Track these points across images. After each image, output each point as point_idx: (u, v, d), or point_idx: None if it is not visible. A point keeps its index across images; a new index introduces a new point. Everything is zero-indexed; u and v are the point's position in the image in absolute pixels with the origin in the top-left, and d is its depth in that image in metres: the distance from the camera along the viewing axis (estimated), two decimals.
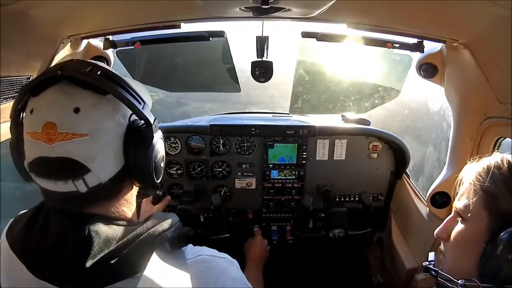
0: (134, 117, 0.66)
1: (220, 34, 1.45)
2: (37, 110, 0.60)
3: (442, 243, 0.74)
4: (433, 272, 0.70)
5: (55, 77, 0.61)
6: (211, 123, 1.82)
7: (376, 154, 1.86)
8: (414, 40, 1.32)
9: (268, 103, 6.38)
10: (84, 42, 1.40)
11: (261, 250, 1.60)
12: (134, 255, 0.59)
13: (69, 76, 0.60)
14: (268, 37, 1.37)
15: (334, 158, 1.85)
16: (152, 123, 0.67)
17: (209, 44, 1.52)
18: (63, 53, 1.26)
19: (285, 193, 1.89)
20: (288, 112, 2.30)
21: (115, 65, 1.60)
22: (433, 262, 0.73)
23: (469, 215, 0.65)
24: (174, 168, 1.85)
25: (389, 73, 1.99)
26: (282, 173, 1.86)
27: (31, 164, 0.61)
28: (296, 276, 2.10)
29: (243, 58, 1.77)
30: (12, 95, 1.08)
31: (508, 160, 0.65)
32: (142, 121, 0.66)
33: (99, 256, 0.57)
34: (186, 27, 1.34)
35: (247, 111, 2.51)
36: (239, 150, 1.84)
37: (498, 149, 1.23)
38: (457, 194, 0.71)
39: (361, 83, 2.12)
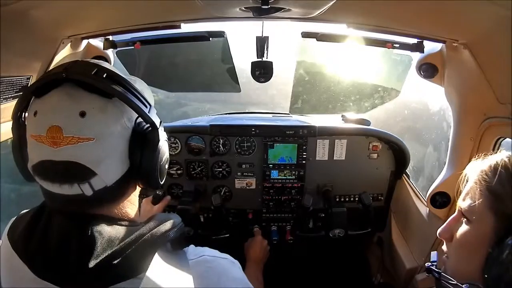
0: (140, 119, 0.66)
1: (220, 34, 1.45)
2: (41, 113, 0.59)
3: (445, 243, 0.71)
4: (436, 274, 0.68)
5: (59, 79, 0.60)
6: (211, 123, 1.82)
7: (376, 154, 1.86)
8: (414, 40, 1.32)
9: (268, 103, 6.38)
10: (84, 42, 1.40)
11: (261, 250, 1.60)
12: (137, 256, 0.59)
13: (74, 79, 0.60)
14: (268, 37, 1.37)
15: (334, 158, 1.85)
16: (158, 126, 0.67)
17: (209, 44, 1.52)
18: (63, 53, 1.26)
19: (285, 193, 1.89)
20: (288, 112, 2.30)
21: (115, 65, 1.60)
22: (435, 263, 0.72)
23: (474, 216, 0.62)
24: (174, 168, 1.85)
25: (389, 73, 1.99)
26: (282, 173, 1.86)
27: (35, 167, 0.60)
28: (296, 276, 2.10)
29: (243, 58, 1.77)
30: (12, 95, 1.08)
31: None
32: (148, 124, 0.66)
33: (102, 257, 0.57)
34: (186, 27, 1.34)
35: (247, 111, 2.51)
36: (239, 150, 1.84)
37: (498, 149, 1.23)
38: (460, 192, 0.69)
39: (361, 83, 2.12)
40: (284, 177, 1.86)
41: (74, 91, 0.59)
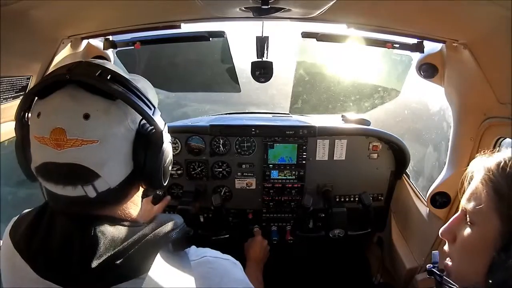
0: (144, 121, 0.66)
1: (220, 34, 1.45)
2: (44, 114, 0.59)
3: (447, 244, 0.68)
4: (438, 278, 0.66)
5: (63, 81, 0.60)
6: (211, 123, 1.82)
7: (376, 154, 1.86)
8: (414, 40, 1.32)
9: (268, 103, 6.38)
10: (84, 42, 1.40)
11: (261, 250, 1.60)
12: (140, 256, 0.59)
13: (78, 80, 0.60)
14: (268, 37, 1.37)
15: (334, 158, 1.85)
16: (162, 129, 0.67)
17: (209, 44, 1.52)
18: (63, 53, 1.26)
19: (285, 193, 1.89)
20: (288, 112, 2.30)
21: (115, 65, 1.60)
22: (437, 265, 0.70)
23: (479, 219, 0.59)
24: (174, 168, 1.85)
25: (389, 73, 1.99)
26: (282, 173, 1.86)
27: (38, 169, 0.60)
28: (296, 276, 2.10)
29: (243, 58, 1.77)
30: (12, 95, 1.08)
31: None
32: (152, 126, 0.66)
33: (105, 257, 0.57)
34: (186, 27, 1.34)
35: (247, 111, 2.51)
36: (239, 150, 1.84)
37: (498, 149, 1.23)
38: (464, 190, 0.66)
39: (361, 83, 2.12)
40: (284, 177, 1.86)
41: (77, 92, 0.59)
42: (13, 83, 1.07)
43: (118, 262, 0.57)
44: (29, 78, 1.14)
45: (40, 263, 0.60)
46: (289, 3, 1.01)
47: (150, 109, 0.65)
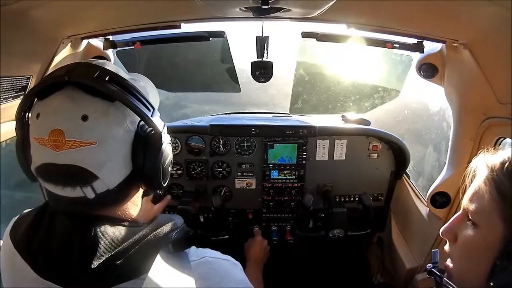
0: (143, 122, 0.66)
1: (220, 34, 1.45)
2: (43, 116, 0.59)
3: (448, 243, 0.66)
4: (438, 279, 0.65)
5: (61, 82, 0.60)
6: (211, 123, 1.82)
7: (376, 154, 1.86)
8: (414, 40, 1.32)
9: (268, 103, 6.37)
10: (84, 42, 1.40)
11: (261, 250, 1.60)
12: (140, 256, 0.60)
13: (77, 82, 0.60)
14: (268, 37, 1.37)
15: (334, 158, 1.85)
16: (161, 130, 0.66)
17: (209, 44, 1.52)
18: (63, 53, 1.26)
19: (285, 193, 1.89)
20: (288, 112, 2.30)
21: (115, 65, 1.60)
22: (437, 265, 0.68)
23: (481, 220, 0.57)
24: (174, 168, 1.85)
25: (389, 73, 1.99)
26: (282, 173, 1.86)
27: (38, 169, 0.61)
28: (296, 276, 2.10)
29: (243, 58, 1.77)
30: (12, 95, 1.08)
31: None
32: (151, 128, 0.66)
33: (105, 257, 0.57)
34: (186, 27, 1.34)
35: (247, 111, 2.51)
36: (239, 150, 1.84)
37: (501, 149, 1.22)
38: (465, 188, 0.64)
39: (361, 83, 2.12)
40: (284, 177, 1.86)
41: (76, 94, 0.59)
42: (13, 83, 1.07)
43: (118, 262, 0.57)
44: (29, 78, 1.14)
45: (40, 263, 0.60)
46: (289, 3, 1.01)
47: (149, 110, 0.65)
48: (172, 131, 1.82)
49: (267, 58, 1.42)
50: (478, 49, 1.08)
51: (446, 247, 0.66)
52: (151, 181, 0.68)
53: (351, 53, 1.91)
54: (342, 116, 2.05)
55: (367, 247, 2.22)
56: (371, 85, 2.10)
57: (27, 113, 0.64)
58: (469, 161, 0.65)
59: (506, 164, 0.56)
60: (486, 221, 0.56)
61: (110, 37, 1.46)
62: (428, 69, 1.35)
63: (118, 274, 0.58)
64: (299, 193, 1.88)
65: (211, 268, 0.69)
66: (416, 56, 1.39)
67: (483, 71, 1.09)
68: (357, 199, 1.89)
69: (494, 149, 0.61)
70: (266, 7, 0.96)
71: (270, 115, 2.24)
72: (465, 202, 0.62)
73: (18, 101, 1.11)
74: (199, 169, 1.86)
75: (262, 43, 1.38)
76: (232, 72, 1.84)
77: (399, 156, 1.84)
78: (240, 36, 1.84)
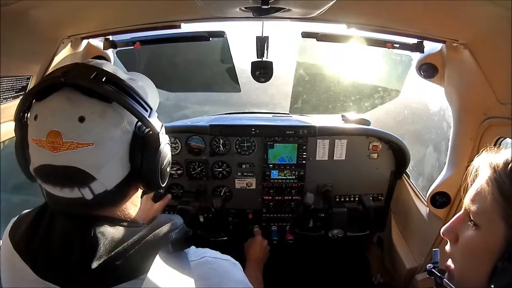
0: (140, 123, 0.65)
1: (220, 34, 1.45)
2: (41, 117, 0.59)
3: (448, 243, 0.65)
4: (438, 280, 0.65)
5: (58, 83, 0.60)
6: (211, 123, 1.82)
7: (376, 154, 1.86)
8: (414, 40, 1.32)
9: (268, 103, 6.37)
10: (84, 42, 1.40)
11: (261, 250, 1.60)
12: (139, 257, 0.60)
13: (74, 83, 0.60)
14: (268, 37, 1.37)
15: (334, 158, 1.85)
16: (158, 131, 0.66)
17: (209, 44, 1.52)
18: (63, 53, 1.26)
19: (285, 193, 1.89)
20: (288, 112, 2.30)
21: (115, 65, 1.60)
22: (437, 265, 0.68)
23: (483, 222, 0.56)
24: (174, 168, 1.85)
25: (389, 74, 1.99)
26: (282, 173, 1.86)
27: (36, 170, 0.61)
28: (296, 276, 2.10)
29: (243, 58, 1.77)
30: (12, 95, 1.08)
31: None
32: (149, 128, 0.66)
33: (105, 257, 0.57)
34: (186, 27, 1.34)
35: (247, 111, 2.51)
36: (239, 150, 1.84)
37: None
38: (466, 188, 0.62)
39: (361, 83, 2.12)
40: (284, 177, 1.86)
41: (73, 95, 0.59)
42: (13, 83, 1.07)
43: (118, 262, 0.57)
44: (29, 78, 1.14)
45: (39, 264, 0.60)
46: (289, 3, 1.01)
47: (146, 111, 0.65)
48: (172, 131, 1.82)
49: (267, 58, 1.42)
50: (478, 49, 1.08)
51: (447, 247, 0.66)
52: (149, 181, 0.68)
53: (351, 53, 1.91)
54: (342, 116, 2.06)
55: (367, 247, 2.22)
56: (371, 85, 2.10)
57: (26, 114, 0.64)
58: (469, 161, 0.64)
59: (510, 165, 0.54)
60: (487, 222, 0.55)
61: (110, 37, 1.46)
62: (428, 69, 1.35)
63: (118, 275, 0.58)
64: (299, 193, 1.88)
65: (211, 268, 0.69)
66: (416, 56, 1.39)
67: (483, 71, 1.09)
68: (357, 199, 1.89)
69: (497, 147, 0.60)
70: (266, 7, 0.96)
71: (270, 115, 2.24)
72: (467, 202, 0.60)
73: (18, 101, 1.11)
74: (199, 169, 1.86)
75: (262, 43, 1.38)
76: (232, 72, 1.84)
77: (399, 156, 1.84)
78: (240, 36, 1.84)
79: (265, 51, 1.40)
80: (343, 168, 1.86)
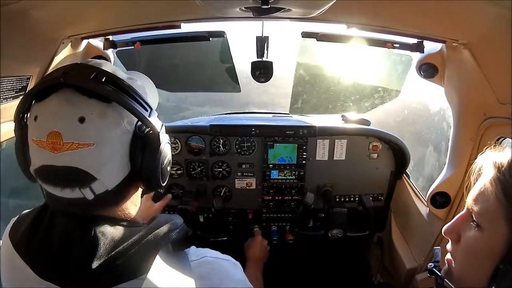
0: (140, 122, 0.65)
1: (220, 34, 1.45)
2: (41, 118, 0.59)
3: (450, 242, 0.64)
4: (439, 280, 0.64)
5: (58, 84, 0.60)
6: (211, 123, 1.82)
7: (376, 154, 1.86)
8: (414, 40, 1.32)
9: (268, 103, 6.37)
10: (84, 42, 1.40)
11: (261, 250, 1.60)
12: (139, 257, 0.60)
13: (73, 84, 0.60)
14: (268, 37, 1.37)
15: (334, 158, 1.85)
16: (159, 130, 0.66)
17: (209, 44, 1.52)
18: (63, 53, 1.26)
19: (285, 193, 1.89)
20: (288, 112, 2.30)
21: (115, 65, 1.60)
22: (438, 265, 0.67)
23: (486, 223, 0.55)
24: (174, 168, 1.85)
25: (389, 74, 1.99)
26: (282, 173, 1.86)
27: (37, 171, 0.61)
28: (296, 276, 2.10)
29: (243, 58, 1.78)
30: (13, 95, 1.08)
31: None
32: (149, 128, 0.66)
33: (105, 257, 0.57)
34: (186, 27, 1.34)
35: (247, 111, 2.51)
36: (239, 150, 1.84)
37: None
38: (469, 187, 0.61)
39: (361, 83, 2.12)
40: (284, 177, 1.86)
41: (73, 96, 0.59)
42: (13, 83, 1.07)
43: (118, 262, 0.57)
44: (29, 78, 1.14)
45: (40, 263, 0.60)
46: (289, 3, 1.01)
47: (146, 110, 0.65)
48: (172, 131, 1.82)
49: (267, 58, 1.42)
50: (478, 49, 1.07)
51: (448, 246, 0.65)
52: (150, 181, 0.68)
53: (351, 53, 1.91)
54: (342, 116, 2.05)
55: (367, 247, 2.22)
56: (371, 85, 2.10)
57: (26, 114, 0.64)
58: (469, 161, 0.64)
59: None
60: (490, 223, 0.54)
61: (110, 37, 1.46)
62: (428, 69, 1.35)
63: (118, 274, 0.58)
64: (299, 193, 1.88)
65: (211, 268, 0.69)
66: (416, 56, 1.39)
67: (483, 71, 1.09)
68: (357, 199, 1.89)
69: (498, 145, 0.59)
70: (266, 7, 0.96)
71: (270, 115, 2.24)
72: (470, 202, 0.59)
73: (18, 102, 1.11)
74: (199, 169, 1.86)
75: (262, 43, 1.38)
76: (232, 72, 1.84)
77: (399, 156, 1.84)
78: (240, 36, 1.84)
79: (265, 51, 1.40)
80: (343, 168, 1.86)
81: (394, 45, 1.36)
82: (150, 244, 0.61)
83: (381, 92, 2.09)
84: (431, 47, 1.32)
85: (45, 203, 0.67)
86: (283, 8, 1.03)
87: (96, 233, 0.59)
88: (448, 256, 0.65)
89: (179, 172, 1.86)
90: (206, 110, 6.35)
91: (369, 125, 1.96)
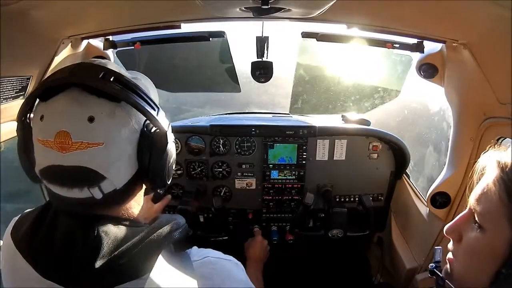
0: (148, 121, 0.66)
1: (220, 34, 1.45)
2: (48, 118, 0.58)
3: (451, 242, 0.64)
4: (440, 282, 0.64)
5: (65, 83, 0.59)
6: (211, 123, 1.82)
7: (376, 155, 1.86)
8: (414, 40, 1.32)
9: (268, 103, 6.38)
10: (84, 42, 1.40)
11: (261, 250, 1.60)
12: (142, 256, 0.60)
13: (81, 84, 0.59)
14: (268, 37, 1.37)
15: (334, 159, 1.85)
16: (166, 129, 0.67)
17: (209, 44, 1.52)
18: (63, 54, 1.26)
19: (285, 193, 1.89)
20: (288, 112, 2.30)
21: (116, 64, 1.60)
22: (439, 265, 0.67)
23: (488, 224, 0.54)
24: (174, 168, 1.85)
25: (389, 74, 1.99)
26: (282, 173, 1.86)
27: (43, 171, 0.60)
28: (296, 276, 2.10)
29: (243, 58, 1.78)
30: (12, 95, 1.08)
31: None
32: (157, 127, 0.66)
33: (108, 257, 0.57)
34: (186, 27, 1.34)
35: (247, 111, 2.51)
36: (239, 150, 1.84)
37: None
38: (472, 186, 0.60)
39: (361, 83, 2.12)
40: (284, 177, 1.86)
41: (81, 95, 0.59)
42: (13, 83, 1.07)
43: (121, 262, 0.57)
44: (29, 79, 1.14)
45: (42, 263, 0.60)
46: (289, 3, 1.01)
47: (154, 109, 0.65)
48: (172, 131, 1.81)
49: (267, 58, 1.42)
50: (478, 49, 1.08)
51: (450, 245, 0.65)
52: (156, 180, 0.68)
53: (351, 53, 1.91)
54: (342, 116, 2.06)
55: (367, 247, 2.22)
56: (371, 85, 2.10)
57: (28, 114, 0.64)
58: (469, 161, 0.64)
59: None
60: (493, 224, 0.53)
61: (110, 37, 1.45)
62: (428, 69, 1.35)
63: (121, 274, 0.58)
64: (299, 193, 1.88)
65: (213, 268, 0.69)
66: (416, 56, 1.39)
67: (483, 71, 1.09)
68: (357, 199, 1.89)
69: (500, 145, 0.58)
70: (266, 7, 0.96)
71: (270, 115, 2.24)
72: (472, 202, 0.58)
73: (18, 102, 1.11)
74: (199, 169, 1.86)
75: (262, 43, 1.38)
76: (232, 72, 1.84)
77: (399, 156, 1.84)
78: (240, 36, 1.84)
79: (265, 51, 1.40)
80: (343, 168, 1.86)
81: (394, 45, 1.37)
82: (153, 244, 0.61)
83: (381, 92, 2.10)
84: (431, 47, 1.32)
85: (47, 202, 0.67)
86: (283, 8, 1.03)
87: (99, 232, 0.59)
88: (450, 255, 0.64)
89: (179, 172, 1.86)
90: (206, 112, 6.35)
91: (369, 125, 1.96)
